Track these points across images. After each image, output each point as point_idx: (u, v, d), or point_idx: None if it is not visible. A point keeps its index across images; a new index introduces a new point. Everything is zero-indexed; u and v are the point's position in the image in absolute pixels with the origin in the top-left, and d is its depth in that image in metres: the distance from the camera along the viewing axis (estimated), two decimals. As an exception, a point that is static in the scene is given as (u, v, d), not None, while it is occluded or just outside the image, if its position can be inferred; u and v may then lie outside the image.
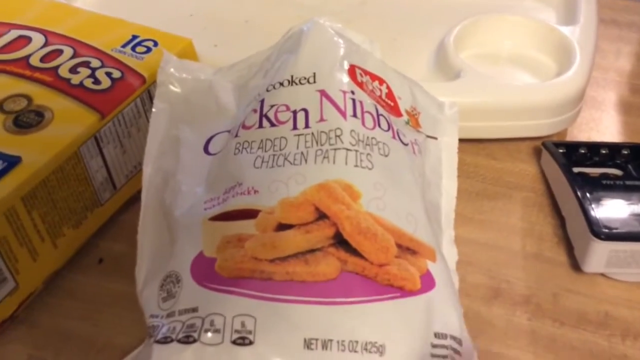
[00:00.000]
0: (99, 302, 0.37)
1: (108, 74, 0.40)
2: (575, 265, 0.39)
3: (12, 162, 0.34)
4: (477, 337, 0.36)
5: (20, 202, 0.34)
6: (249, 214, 0.32)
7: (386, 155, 0.35)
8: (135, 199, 0.42)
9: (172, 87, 0.39)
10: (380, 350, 0.29)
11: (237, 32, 0.56)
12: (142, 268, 0.34)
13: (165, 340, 0.29)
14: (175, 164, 0.37)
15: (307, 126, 0.35)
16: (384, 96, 0.39)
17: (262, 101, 0.36)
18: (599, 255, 0.37)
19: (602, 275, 0.39)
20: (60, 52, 0.41)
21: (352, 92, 0.36)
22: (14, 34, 0.43)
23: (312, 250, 0.31)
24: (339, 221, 0.32)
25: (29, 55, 0.41)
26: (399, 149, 0.36)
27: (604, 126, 0.50)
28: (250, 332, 0.29)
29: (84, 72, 0.40)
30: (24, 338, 0.35)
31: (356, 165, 0.34)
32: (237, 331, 0.29)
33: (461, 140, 0.41)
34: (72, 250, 0.38)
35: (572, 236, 0.40)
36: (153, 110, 0.37)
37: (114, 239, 0.41)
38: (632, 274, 0.38)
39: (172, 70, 0.39)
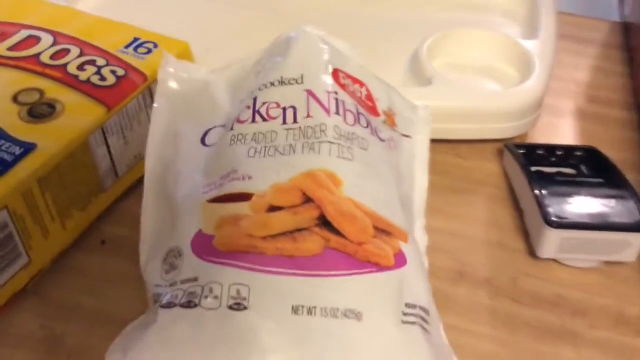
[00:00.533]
0: (103, 279, 0.41)
1: (113, 72, 0.44)
2: (532, 253, 0.44)
3: (28, 148, 0.38)
4: (443, 312, 0.40)
5: (36, 184, 0.37)
6: (244, 197, 0.36)
7: (365, 149, 0.39)
8: (135, 187, 0.46)
9: (171, 85, 0.43)
10: (358, 316, 0.33)
11: (228, 37, 0.60)
12: (145, 245, 0.38)
13: (169, 305, 0.33)
14: (174, 154, 0.41)
15: (295, 121, 0.39)
16: (363, 97, 0.43)
17: (255, 98, 0.41)
18: (552, 242, 0.42)
19: (555, 261, 0.43)
20: (68, 51, 0.45)
21: (335, 93, 0.40)
22: (24, 33, 0.47)
23: (299, 229, 0.35)
24: (323, 205, 0.36)
25: (39, 53, 0.45)
26: (376, 144, 0.41)
27: (562, 131, 0.55)
28: (244, 299, 0.33)
29: (91, 69, 0.44)
30: (35, 309, 0.39)
31: (339, 157, 0.38)
32: (233, 297, 0.33)
33: (432, 141, 0.45)
34: (78, 231, 0.42)
35: (529, 226, 0.45)
36: (154, 105, 0.41)
37: (115, 223, 0.44)
38: (581, 260, 0.43)
39: (171, 69, 0.43)
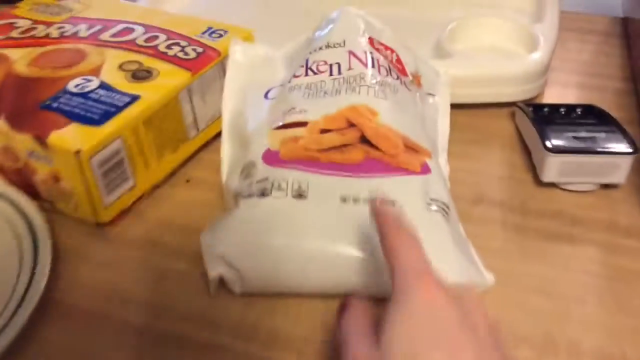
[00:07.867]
0: (190, 204, 0.51)
1: (194, 50, 0.55)
2: (539, 182, 0.53)
3: (135, 97, 0.49)
4: (462, 223, 0.49)
5: (141, 124, 0.48)
6: (301, 124, 0.47)
7: (395, 93, 0.50)
8: (212, 141, 0.57)
9: (239, 58, 0.54)
10: (393, 203, 0.43)
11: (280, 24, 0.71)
12: (226, 167, 0.49)
13: (248, 196, 0.43)
14: (244, 106, 0.52)
15: (339, 73, 0.50)
16: (394, 61, 0.54)
17: (307, 60, 0.51)
18: (552, 166, 0.51)
19: (557, 187, 0.52)
20: (157, 37, 0.57)
21: (371, 52, 0.51)
22: (121, 26, 0.59)
23: (345, 145, 0.45)
24: (364, 128, 0.46)
25: (135, 39, 0.57)
26: (405, 91, 0.51)
27: (567, 98, 0.64)
28: (304, 191, 0.43)
29: (176, 48, 0.55)
30: (139, 225, 0.50)
31: (375, 96, 0.48)
32: (295, 190, 0.43)
33: (452, 105, 0.55)
34: (170, 169, 0.53)
35: (535, 160, 0.54)
36: (227, 72, 0.52)
37: (197, 168, 0.55)
38: (579, 184, 0.52)
39: (239, 48, 0.54)
